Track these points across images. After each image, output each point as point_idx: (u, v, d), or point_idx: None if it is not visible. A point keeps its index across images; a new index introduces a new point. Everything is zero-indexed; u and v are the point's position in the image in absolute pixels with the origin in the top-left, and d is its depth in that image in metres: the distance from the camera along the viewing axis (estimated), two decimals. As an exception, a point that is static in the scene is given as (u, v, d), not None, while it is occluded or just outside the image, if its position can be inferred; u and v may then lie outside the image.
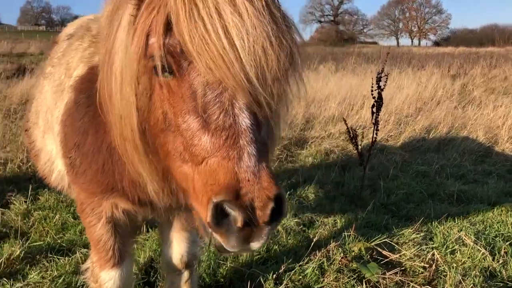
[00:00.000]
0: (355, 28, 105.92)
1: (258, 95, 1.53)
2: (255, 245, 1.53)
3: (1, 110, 8.72)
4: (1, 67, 16.33)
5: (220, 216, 1.45)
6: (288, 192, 5.56)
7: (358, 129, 8.89)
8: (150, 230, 4.46)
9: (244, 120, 1.53)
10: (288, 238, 4.41)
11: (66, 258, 3.87)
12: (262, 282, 3.45)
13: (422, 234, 4.57)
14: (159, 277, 3.62)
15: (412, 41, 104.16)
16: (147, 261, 3.87)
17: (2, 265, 3.57)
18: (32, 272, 3.57)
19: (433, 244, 4.38)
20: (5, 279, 3.47)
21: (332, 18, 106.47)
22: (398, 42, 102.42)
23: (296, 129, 8.93)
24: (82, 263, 3.76)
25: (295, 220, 4.75)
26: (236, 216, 1.43)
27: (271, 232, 1.56)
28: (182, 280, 3.12)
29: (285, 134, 8.34)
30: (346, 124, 4.19)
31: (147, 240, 4.27)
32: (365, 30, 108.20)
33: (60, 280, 3.42)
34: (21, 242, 4.07)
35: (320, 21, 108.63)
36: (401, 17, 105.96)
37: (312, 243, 3.91)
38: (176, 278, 3.13)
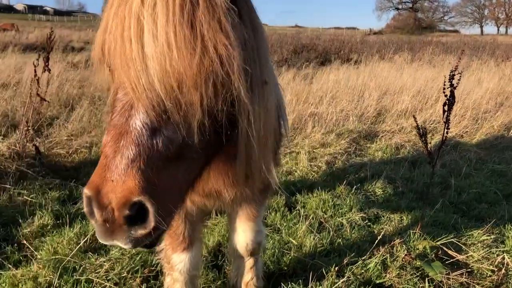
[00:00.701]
0: (435, 16, 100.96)
1: (159, 101, 1.52)
2: (121, 244, 1.56)
3: (87, 97, 9.41)
4: (87, 54, 17.41)
5: (90, 208, 1.54)
6: (355, 187, 5.58)
7: (431, 124, 8.69)
8: (219, 215, 4.69)
9: (135, 122, 1.54)
10: (352, 232, 4.47)
11: (143, 238, 4.20)
12: (324, 273, 3.55)
13: (493, 236, 4.44)
14: (226, 261, 3.83)
15: (498, 29, 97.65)
16: (215, 245, 4.10)
17: (88, 240, 3.96)
18: (114, 248, 3.92)
19: (504, 248, 4.24)
20: (90, 253, 3.84)
21: (410, 5, 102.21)
22: (482, 31, 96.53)
23: (366, 122, 8.84)
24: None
25: (361, 215, 4.79)
26: (95, 211, 1.52)
27: (144, 236, 1.56)
28: (247, 266, 3.28)
29: (354, 127, 8.30)
30: (416, 121, 4.15)
31: (216, 225, 4.50)
32: (445, 18, 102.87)
33: (138, 258, 3.72)
34: (104, 221, 4.46)
35: (397, 8, 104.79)
36: (487, 3, 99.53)
37: (377, 239, 3.94)
38: (241, 264, 3.31)
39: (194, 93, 1.53)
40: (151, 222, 1.53)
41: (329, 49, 23.08)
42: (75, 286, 3.38)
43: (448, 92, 3.92)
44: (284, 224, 4.54)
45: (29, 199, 4.89)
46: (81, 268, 3.58)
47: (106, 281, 3.43)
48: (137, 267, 3.60)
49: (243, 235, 3.14)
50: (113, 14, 1.57)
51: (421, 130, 4.25)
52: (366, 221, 4.75)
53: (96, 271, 3.53)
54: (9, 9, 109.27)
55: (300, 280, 3.45)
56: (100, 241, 1.57)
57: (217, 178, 2.21)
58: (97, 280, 3.43)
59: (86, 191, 1.53)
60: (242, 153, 1.86)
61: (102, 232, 1.54)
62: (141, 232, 1.54)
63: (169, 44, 1.47)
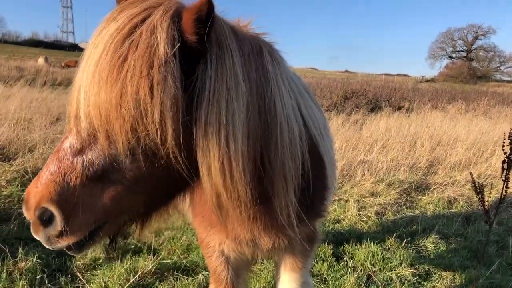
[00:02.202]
0: (491, 65, 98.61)
1: (85, 127, 1.69)
2: (43, 242, 1.80)
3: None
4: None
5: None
6: (405, 240, 5.43)
7: (486, 179, 8.38)
8: (265, 261, 4.67)
9: (66, 143, 1.75)
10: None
11: (190, 278, 4.24)
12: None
13: (555, 304, 4.17)
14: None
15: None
16: (261, 292, 4.07)
17: (138, 277, 4.04)
18: (161, 287, 3.97)
19: None
20: (139, 290, 3.92)
21: (464, 54, 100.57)
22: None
23: (418, 172, 8.65)
24: (203, 285, 4.11)
25: (411, 270, 4.63)
26: (23, 211, 1.81)
27: (57, 238, 1.77)
28: None
29: (406, 177, 8.13)
30: (473, 178, 4.03)
31: (262, 270, 4.49)
32: (502, 68, 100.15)
33: (184, 299, 3.76)
34: (152, 258, 4.56)
35: (451, 57, 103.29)
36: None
37: (428, 297, 3.79)
38: None
39: (115, 124, 1.64)
40: (58, 226, 1.73)
41: (379, 96, 22.94)
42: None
43: (507, 150, 3.80)
44: (331, 275, 4.46)
45: (83, 231, 5.06)
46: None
47: (153, 320, 3.47)
48: (184, 309, 3.63)
49: (287, 286, 3.04)
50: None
51: (477, 187, 4.12)
52: (417, 277, 4.59)
53: (144, 309, 3.59)
54: (74, 47, 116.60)
55: (347, 336, 3.36)
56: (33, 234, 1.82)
57: (245, 225, 2.27)
58: (145, 318, 3.48)
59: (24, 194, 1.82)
60: (209, 190, 1.89)
61: (31, 228, 1.81)
62: (52, 232, 1.76)
63: (94, 76, 1.63)
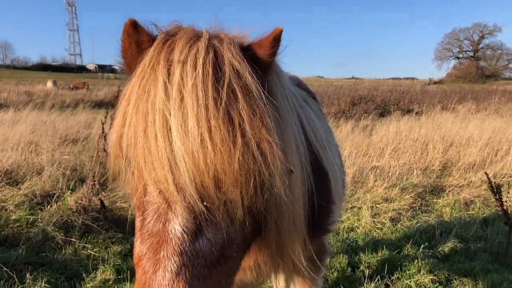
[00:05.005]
0: (499, 64, 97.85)
1: (194, 201, 1.37)
2: None
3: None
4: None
5: None
6: (423, 245, 5.26)
7: (503, 178, 8.18)
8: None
9: (174, 227, 1.37)
10: (422, 296, 4.16)
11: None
12: None
13: None
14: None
15: None
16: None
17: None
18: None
19: None
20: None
21: (471, 54, 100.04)
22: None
23: (431, 175, 8.48)
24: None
25: (430, 277, 4.46)
26: None
27: None
28: None
29: (419, 181, 7.96)
30: (489, 178, 3.89)
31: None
32: (510, 65, 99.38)
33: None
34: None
35: (458, 58, 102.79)
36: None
37: (450, 305, 3.63)
38: None
39: (235, 191, 1.38)
40: None
41: (388, 100, 22.78)
42: None
43: (524, 147, 3.66)
44: (348, 286, 4.31)
45: (92, 252, 4.99)
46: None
47: None
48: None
49: None
50: (133, 107, 1.45)
51: (494, 187, 3.98)
52: (437, 284, 4.42)
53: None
54: (82, 69, 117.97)
55: None
56: None
57: (249, 254, 2.06)
58: None
59: None
60: (271, 242, 1.78)
61: None
62: None
63: (203, 140, 1.33)
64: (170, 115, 1.35)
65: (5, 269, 4.33)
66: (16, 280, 4.18)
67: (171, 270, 1.31)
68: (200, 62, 1.39)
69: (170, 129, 1.35)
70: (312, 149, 2.21)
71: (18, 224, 5.77)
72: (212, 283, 1.39)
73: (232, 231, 1.46)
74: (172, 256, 1.33)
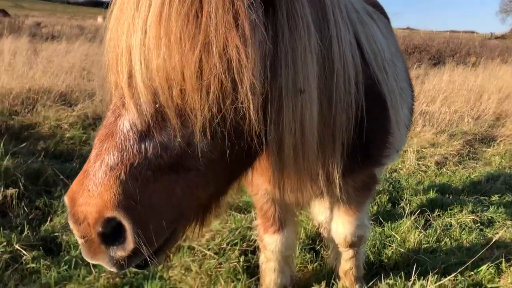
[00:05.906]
0: None
1: (149, 101, 1.30)
2: (106, 266, 1.37)
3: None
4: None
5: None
6: (467, 189, 5.18)
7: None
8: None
9: (124, 122, 1.33)
10: (462, 233, 4.13)
11: (242, 214, 4.26)
12: (429, 269, 3.31)
13: None
14: (324, 247, 3.75)
15: None
16: (314, 230, 4.02)
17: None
18: (215, 221, 4.01)
19: None
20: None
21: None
22: None
23: (483, 125, 8.18)
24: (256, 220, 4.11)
25: (472, 217, 4.41)
26: (71, 226, 1.35)
27: (125, 258, 1.35)
28: (346, 256, 3.04)
29: (470, 129, 7.72)
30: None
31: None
32: None
33: (237, 232, 3.78)
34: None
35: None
36: None
37: (490, 243, 3.59)
38: (340, 253, 3.11)
39: (194, 96, 1.28)
40: (130, 243, 1.33)
41: (443, 51, 21.75)
42: (177, 250, 3.51)
43: None
44: (387, 219, 4.33)
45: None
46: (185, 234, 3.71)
47: (207, 249, 3.52)
48: (237, 240, 3.66)
49: (342, 228, 2.83)
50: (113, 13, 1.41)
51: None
52: (478, 224, 4.37)
53: (198, 240, 3.64)
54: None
55: (402, 273, 3.25)
56: (85, 259, 1.41)
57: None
58: (199, 247, 3.54)
59: (65, 200, 1.37)
60: (275, 165, 1.64)
61: (84, 250, 1.38)
62: (120, 254, 1.35)
63: (158, 36, 1.25)
64: (137, 11, 1.30)
65: (61, 177, 4.61)
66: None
67: (108, 163, 1.30)
68: None
69: (134, 26, 1.30)
70: (369, 72, 2.01)
71: (72, 142, 6.08)
72: (161, 188, 1.36)
73: (195, 142, 1.36)
74: (113, 150, 1.31)
